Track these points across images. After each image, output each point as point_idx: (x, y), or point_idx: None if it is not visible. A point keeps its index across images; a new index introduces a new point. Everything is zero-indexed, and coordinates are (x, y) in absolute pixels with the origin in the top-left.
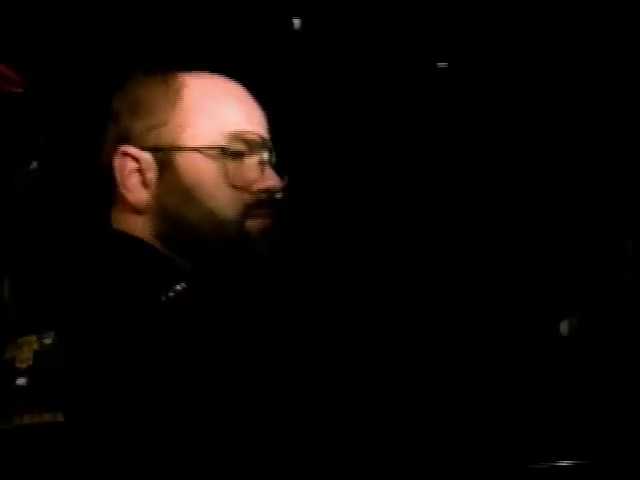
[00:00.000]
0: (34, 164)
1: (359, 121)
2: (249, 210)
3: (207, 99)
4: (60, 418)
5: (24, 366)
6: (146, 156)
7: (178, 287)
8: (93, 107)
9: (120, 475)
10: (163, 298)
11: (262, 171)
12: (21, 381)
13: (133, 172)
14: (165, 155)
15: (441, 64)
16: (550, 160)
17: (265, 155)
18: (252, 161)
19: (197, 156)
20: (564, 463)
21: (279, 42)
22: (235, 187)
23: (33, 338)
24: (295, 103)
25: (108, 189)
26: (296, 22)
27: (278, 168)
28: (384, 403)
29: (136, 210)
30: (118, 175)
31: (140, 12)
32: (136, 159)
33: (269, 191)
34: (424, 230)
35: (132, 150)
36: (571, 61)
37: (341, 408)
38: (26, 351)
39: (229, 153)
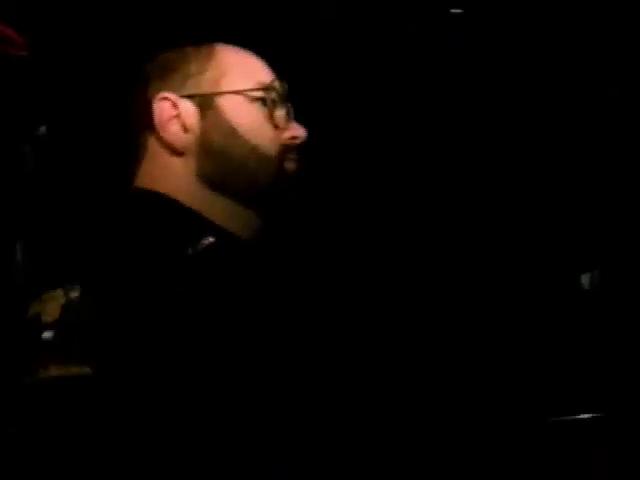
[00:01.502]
0: (42, 128)
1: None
2: (286, 151)
3: (237, 56)
4: (87, 370)
5: (50, 320)
6: (185, 102)
7: (206, 241)
8: (102, 69)
9: (145, 429)
10: (190, 252)
11: (289, 121)
12: (47, 334)
13: (172, 118)
14: (206, 100)
15: (455, 10)
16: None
17: (290, 107)
18: (282, 111)
19: (239, 99)
20: (585, 416)
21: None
22: (276, 127)
23: (59, 292)
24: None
25: (135, 140)
26: None
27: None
28: (390, 380)
29: (176, 152)
30: (157, 121)
31: None
32: (175, 105)
33: (297, 139)
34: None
35: (170, 96)
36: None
37: (343, 403)
38: (52, 305)
39: (268, 98)
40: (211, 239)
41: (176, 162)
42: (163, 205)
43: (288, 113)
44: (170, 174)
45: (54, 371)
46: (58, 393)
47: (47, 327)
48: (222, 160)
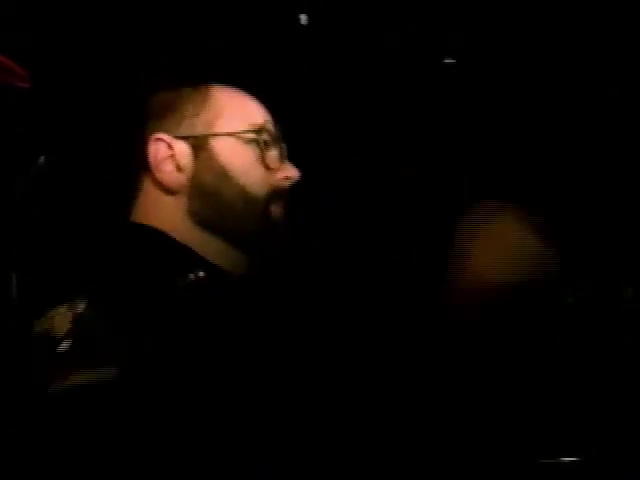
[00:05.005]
0: (41, 159)
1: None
2: (274, 193)
3: (233, 98)
4: (114, 371)
5: (61, 334)
6: (180, 143)
7: (195, 275)
8: (101, 103)
9: (149, 426)
10: (180, 284)
11: (282, 161)
12: (64, 346)
13: (166, 158)
14: (200, 141)
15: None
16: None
17: (284, 147)
18: (274, 152)
19: (232, 140)
20: (568, 459)
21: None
22: (267, 168)
23: (63, 309)
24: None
25: (131, 178)
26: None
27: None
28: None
29: (169, 191)
30: (152, 160)
31: (142, 9)
32: (169, 146)
33: (289, 180)
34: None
35: (165, 137)
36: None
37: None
38: (59, 321)
39: (260, 140)
40: (201, 274)
41: (169, 200)
42: (156, 239)
43: (281, 154)
44: (163, 212)
45: (81, 377)
46: (95, 393)
47: (59, 341)
48: (212, 200)
